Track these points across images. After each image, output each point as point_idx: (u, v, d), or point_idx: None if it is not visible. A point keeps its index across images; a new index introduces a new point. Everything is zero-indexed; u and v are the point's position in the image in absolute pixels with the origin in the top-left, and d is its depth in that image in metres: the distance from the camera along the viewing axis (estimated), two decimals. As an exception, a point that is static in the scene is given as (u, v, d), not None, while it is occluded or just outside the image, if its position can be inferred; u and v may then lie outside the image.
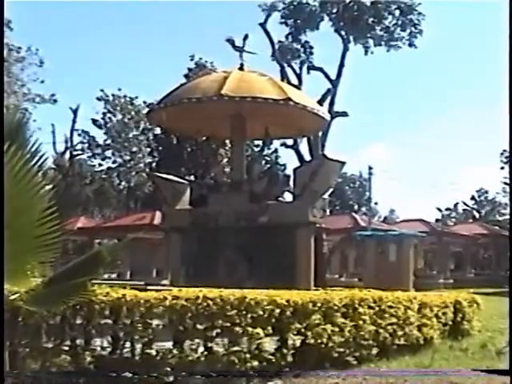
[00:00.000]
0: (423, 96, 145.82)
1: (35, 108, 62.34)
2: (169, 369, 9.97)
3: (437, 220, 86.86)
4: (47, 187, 5.97)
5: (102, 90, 73.94)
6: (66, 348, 10.07)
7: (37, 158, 5.89)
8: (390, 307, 14.14)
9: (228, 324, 10.60)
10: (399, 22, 49.53)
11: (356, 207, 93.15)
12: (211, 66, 60.02)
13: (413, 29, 49.49)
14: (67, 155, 72.44)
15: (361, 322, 13.08)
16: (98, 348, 10.07)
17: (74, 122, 72.59)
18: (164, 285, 19.23)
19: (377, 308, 13.72)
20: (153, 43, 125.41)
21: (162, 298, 10.17)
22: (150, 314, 10.04)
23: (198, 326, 10.48)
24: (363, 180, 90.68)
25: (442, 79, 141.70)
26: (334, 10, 49.56)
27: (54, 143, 72.18)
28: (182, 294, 10.46)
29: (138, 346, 10.03)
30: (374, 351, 13.24)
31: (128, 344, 10.04)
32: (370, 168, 50.56)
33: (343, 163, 19.80)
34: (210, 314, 10.45)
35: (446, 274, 52.02)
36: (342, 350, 12.43)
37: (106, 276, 21.05)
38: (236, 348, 10.77)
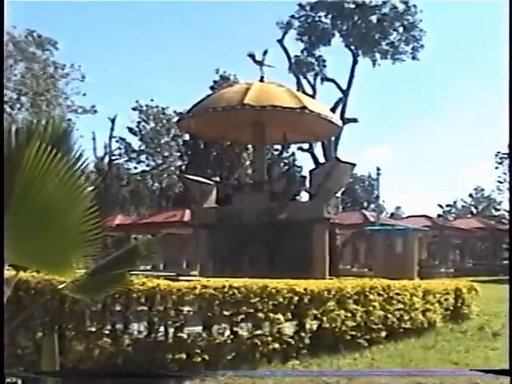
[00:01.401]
0: (424, 100, 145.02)
1: (78, 118, 62.75)
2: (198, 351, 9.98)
3: (438, 215, 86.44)
4: (89, 189, 5.99)
5: (136, 101, 74.27)
6: (107, 332, 10.10)
7: (80, 163, 5.91)
8: (397, 294, 14.11)
9: (251, 310, 10.61)
10: (403, 38, 49.50)
11: (365, 204, 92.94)
12: (234, 78, 60.05)
13: (415, 44, 49.45)
14: (106, 160, 72.71)
15: (371, 308, 13.07)
16: (136, 332, 10.10)
17: (112, 129, 72.91)
18: (194, 275, 19.22)
19: (385, 295, 13.70)
20: (182, 58, 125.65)
21: (193, 287, 10.17)
22: (182, 302, 10.05)
23: (225, 312, 10.49)
24: (372, 180, 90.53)
25: (442, 84, 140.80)
26: (344, 28, 49.55)
27: (94, 149, 72.48)
28: (210, 283, 10.46)
29: (171, 330, 10.04)
30: (383, 334, 13.23)
31: (162, 328, 10.05)
32: (378, 169, 50.40)
33: (354, 165, 19.79)
34: (235, 302, 10.45)
35: (447, 264, 51.87)
36: (354, 333, 12.43)
37: (141, 268, 21.09)
38: (259, 332, 10.77)
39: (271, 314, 10.83)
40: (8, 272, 6.35)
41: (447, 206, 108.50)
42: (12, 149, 5.70)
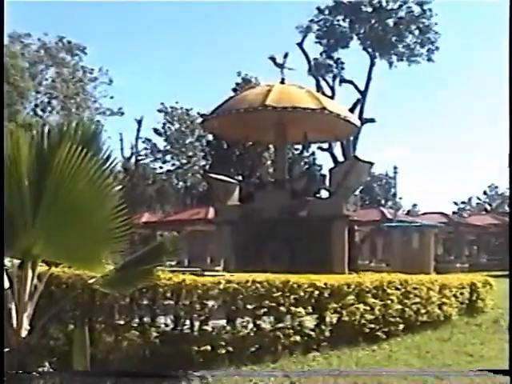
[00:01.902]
0: (440, 99, 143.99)
1: (106, 120, 63.09)
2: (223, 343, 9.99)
3: (454, 212, 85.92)
4: (117, 187, 6.01)
5: (162, 104, 74.40)
6: (135, 325, 10.14)
7: (108, 163, 5.93)
8: (415, 288, 14.08)
9: (274, 304, 10.61)
10: (419, 41, 49.41)
11: (383, 202, 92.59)
12: (256, 80, 60.06)
13: (430, 46, 49.33)
14: (133, 160, 72.94)
15: (389, 302, 13.04)
16: (162, 325, 10.12)
17: (138, 131, 73.12)
18: (218, 271, 19.27)
19: (403, 289, 13.66)
20: (205, 61, 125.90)
21: (217, 281, 10.18)
22: (206, 296, 10.06)
23: (248, 306, 10.49)
24: (389, 178, 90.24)
25: (455, 83, 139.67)
26: (362, 31, 49.54)
27: (121, 149, 72.69)
28: (233, 278, 10.47)
29: (196, 324, 10.05)
30: (401, 327, 13.20)
31: (187, 321, 10.07)
32: (395, 168, 50.24)
33: (372, 164, 19.75)
34: (258, 296, 10.46)
35: (462, 259, 51.61)
36: (372, 326, 12.40)
37: (167, 263, 21.15)
38: (281, 325, 10.77)
39: (293, 308, 10.83)
40: (41, 267, 6.39)
41: (462, 203, 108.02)
42: (44, 150, 5.72)
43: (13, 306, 6.17)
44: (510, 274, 15.14)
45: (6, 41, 51.65)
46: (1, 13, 6.65)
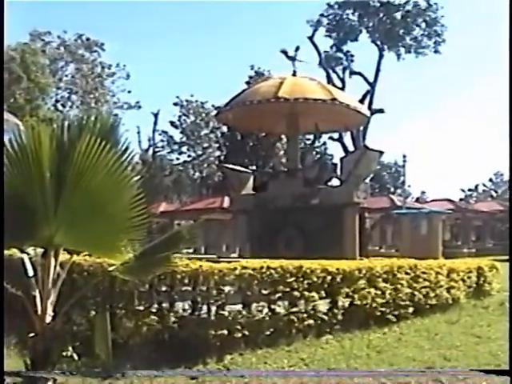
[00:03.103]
0: (447, 86, 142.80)
1: (123, 113, 63.22)
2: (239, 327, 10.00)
3: (461, 199, 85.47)
4: (135, 178, 6.02)
5: (177, 97, 74.34)
6: (154, 310, 10.16)
7: (126, 155, 5.94)
8: (423, 273, 14.07)
9: (288, 289, 10.62)
10: (426, 33, 49.21)
11: (392, 190, 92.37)
12: (268, 73, 59.92)
13: (437, 38, 49.13)
14: (150, 152, 73.00)
15: (399, 286, 13.03)
16: (180, 310, 10.14)
17: (155, 123, 73.12)
18: (233, 257, 19.28)
19: (412, 274, 13.65)
20: (219, 56, 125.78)
21: (233, 268, 10.19)
22: (223, 282, 10.06)
23: (263, 291, 10.50)
24: (398, 166, 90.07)
25: (463, 68, 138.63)
26: (371, 24, 49.40)
27: (139, 142, 72.73)
28: (249, 264, 10.47)
29: (213, 309, 10.06)
30: (410, 310, 13.21)
31: (205, 307, 10.07)
32: (404, 156, 50.06)
33: (381, 152, 19.68)
34: (272, 281, 10.46)
35: (469, 245, 51.47)
36: (383, 309, 12.41)
37: (184, 251, 21.21)
38: (295, 309, 10.78)
39: (306, 293, 10.83)
40: (63, 256, 6.41)
41: (469, 190, 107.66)
42: (64, 142, 5.74)
43: (37, 294, 6.20)
44: (510, 274, 15.09)
45: (26, 39, 51.91)
46: (1, 13, 6.63)
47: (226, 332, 9.82)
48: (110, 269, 6.56)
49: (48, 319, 6.16)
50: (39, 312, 6.14)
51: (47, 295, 6.19)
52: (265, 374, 8.60)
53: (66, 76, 60.15)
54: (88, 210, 5.67)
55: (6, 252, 11.44)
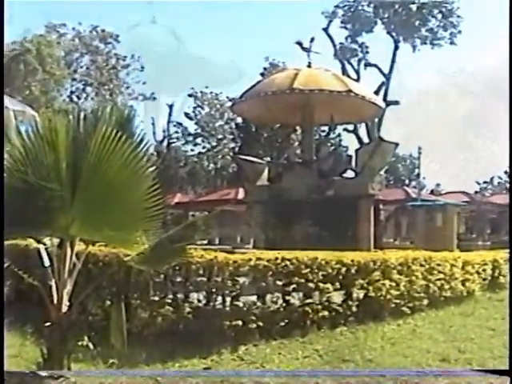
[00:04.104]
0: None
1: (138, 105, 63.25)
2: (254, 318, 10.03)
3: (476, 192, 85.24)
4: (150, 169, 6.04)
5: (192, 88, 74.34)
6: (169, 301, 10.20)
7: (141, 146, 5.96)
8: (438, 265, 14.02)
9: (302, 280, 10.62)
10: (441, 24, 48.93)
11: (407, 181, 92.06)
12: (283, 65, 59.76)
13: (453, 29, 48.85)
14: (165, 143, 73.08)
15: (413, 278, 13.00)
16: (195, 301, 10.18)
17: (169, 115, 73.04)
18: (248, 249, 19.32)
19: (427, 266, 13.61)
20: (233, 47, 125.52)
21: (248, 259, 10.21)
22: (238, 273, 10.10)
23: (278, 283, 10.52)
24: (413, 158, 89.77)
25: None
26: (386, 16, 49.16)
27: (154, 133, 72.71)
28: (263, 255, 10.50)
29: (228, 299, 10.10)
30: (425, 302, 13.18)
31: (219, 298, 10.11)
32: (419, 148, 49.88)
33: (396, 144, 19.62)
34: (287, 273, 10.48)
35: (484, 237, 51.24)
36: (397, 301, 12.38)
37: (198, 242, 21.26)
38: (309, 300, 10.78)
39: (321, 284, 10.83)
40: (78, 246, 6.44)
41: (484, 182, 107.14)
42: (80, 133, 5.77)
43: (53, 283, 6.24)
44: (511, 274, 15.03)
45: (42, 31, 52.01)
46: (1, 13, 6.65)
47: (240, 323, 9.85)
48: (126, 259, 6.60)
49: (64, 309, 6.21)
50: (55, 302, 6.19)
51: (63, 285, 6.23)
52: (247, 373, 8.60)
53: (81, 68, 60.23)
54: (104, 201, 5.70)
55: (22, 242, 11.53)
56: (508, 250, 17.10)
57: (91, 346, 7.99)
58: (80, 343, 7.79)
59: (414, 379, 7.87)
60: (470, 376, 8.56)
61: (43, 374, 6.48)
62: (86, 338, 7.90)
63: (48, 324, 6.21)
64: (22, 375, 6.90)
